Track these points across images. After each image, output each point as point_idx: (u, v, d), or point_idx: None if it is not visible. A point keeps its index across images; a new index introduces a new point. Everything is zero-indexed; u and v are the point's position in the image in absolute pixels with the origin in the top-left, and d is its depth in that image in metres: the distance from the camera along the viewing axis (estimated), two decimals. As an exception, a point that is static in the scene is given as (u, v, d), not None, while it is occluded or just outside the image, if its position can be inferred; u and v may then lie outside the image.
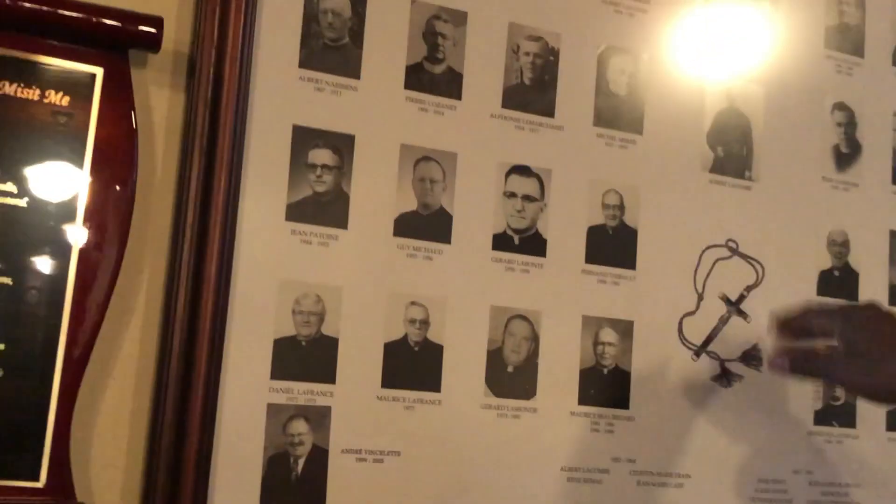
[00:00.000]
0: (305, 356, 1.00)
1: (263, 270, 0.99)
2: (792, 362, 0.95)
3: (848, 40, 1.31)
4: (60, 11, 0.91)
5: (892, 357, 0.91)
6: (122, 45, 0.94)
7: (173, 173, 0.99)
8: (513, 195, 1.11)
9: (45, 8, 0.90)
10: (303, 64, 1.03)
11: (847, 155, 1.29)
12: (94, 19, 0.92)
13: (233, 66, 0.98)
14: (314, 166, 1.03)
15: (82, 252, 0.90)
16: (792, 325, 0.97)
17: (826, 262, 1.27)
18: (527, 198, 1.12)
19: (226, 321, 0.97)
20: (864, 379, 0.92)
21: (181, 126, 0.99)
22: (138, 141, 0.95)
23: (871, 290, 1.28)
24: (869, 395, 0.97)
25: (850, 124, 1.30)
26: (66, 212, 0.90)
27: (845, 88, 1.30)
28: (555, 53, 1.14)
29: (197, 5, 0.99)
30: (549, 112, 1.13)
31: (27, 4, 0.90)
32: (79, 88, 0.92)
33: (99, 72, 0.93)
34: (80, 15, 0.92)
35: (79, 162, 0.92)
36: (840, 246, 1.27)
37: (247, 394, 0.97)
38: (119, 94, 0.94)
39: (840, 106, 1.30)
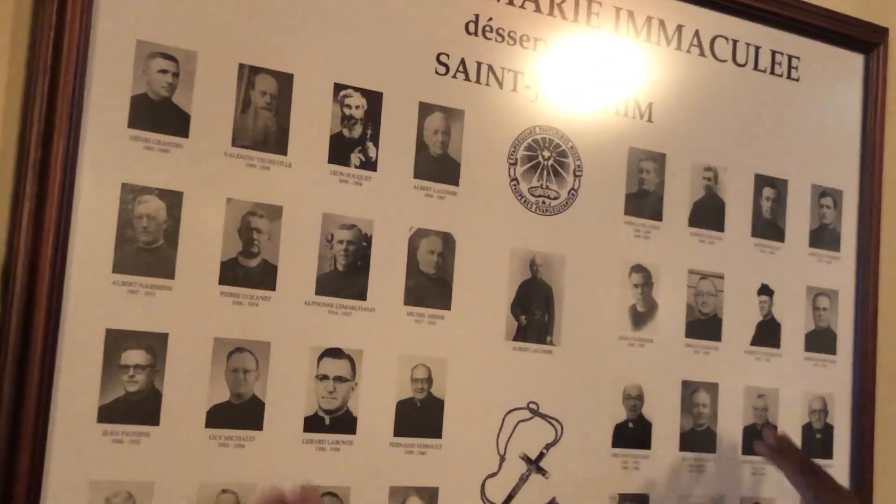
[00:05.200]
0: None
1: (74, 471, 1.04)
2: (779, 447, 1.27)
3: (647, 206, 1.42)
4: None
5: None
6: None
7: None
8: (325, 377, 1.18)
9: None
10: (116, 268, 1.07)
11: (643, 313, 1.41)
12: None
13: (43, 277, 1.02)
14: (127, 367, 1.07)
15: None
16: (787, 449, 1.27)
17: (621, 415, 1.38)
18: (338, 378, 1.19)
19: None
20: None
21: None
22: None
23: (664, 436, 1.40)
24: None
25: (646, 284, 1.41)
26: None
27: (643, 251, 1.41)
28: (367, 239, 1.21)
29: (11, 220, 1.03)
30: (361, 295, 1.21)
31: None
32: None
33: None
34: None
35: None
36: (635, 399, 1.39)
37: None
38: None
39: (637, 268, 1.41)
